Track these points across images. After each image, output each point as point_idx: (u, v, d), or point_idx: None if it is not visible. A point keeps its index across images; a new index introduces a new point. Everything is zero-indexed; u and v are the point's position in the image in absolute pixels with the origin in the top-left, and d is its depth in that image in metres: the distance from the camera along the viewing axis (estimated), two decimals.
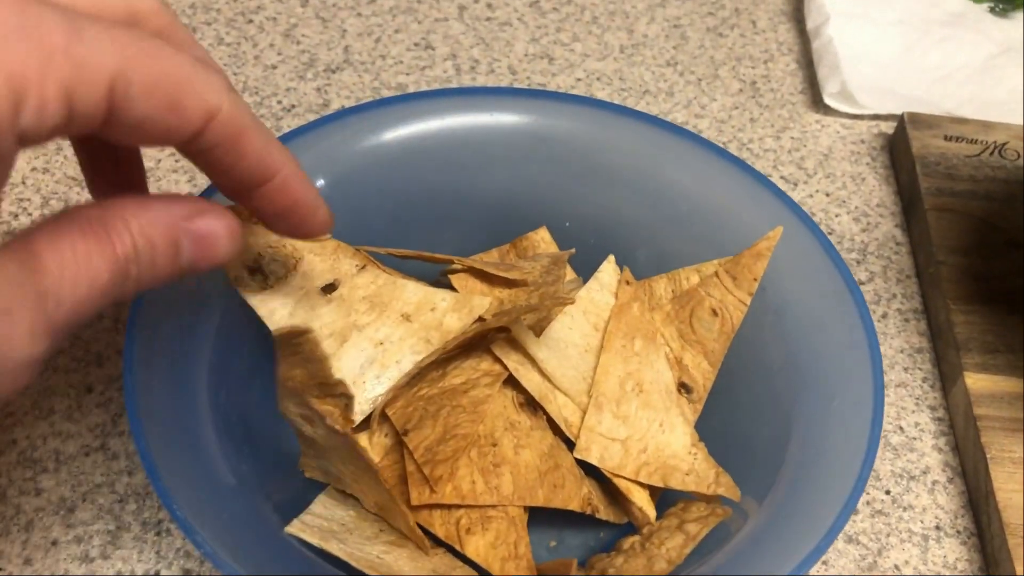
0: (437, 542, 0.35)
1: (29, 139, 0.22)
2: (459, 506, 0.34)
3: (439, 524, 0.34)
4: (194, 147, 0.26)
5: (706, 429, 0.38)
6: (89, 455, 0.41)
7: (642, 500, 0.36)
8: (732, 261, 0.39)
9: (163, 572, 0.37)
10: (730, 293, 0.39)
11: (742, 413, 0.38)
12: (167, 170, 0.52)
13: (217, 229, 0.27)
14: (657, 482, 0.36)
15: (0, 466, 0.40)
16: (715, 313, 0.39)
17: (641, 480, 0.36)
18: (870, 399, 0.35)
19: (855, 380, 0.35)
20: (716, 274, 0.39)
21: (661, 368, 0.38)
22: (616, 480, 0.36)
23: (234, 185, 0.29)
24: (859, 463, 0.33)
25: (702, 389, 0.39)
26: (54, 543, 0.38)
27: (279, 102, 0.57)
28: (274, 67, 0.59)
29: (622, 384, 0.37)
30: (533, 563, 0.35)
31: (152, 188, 0.48)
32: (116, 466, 0.40)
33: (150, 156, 0.53)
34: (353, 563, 0.32)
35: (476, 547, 0.34)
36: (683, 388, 0.38)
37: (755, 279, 0.38)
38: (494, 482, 0.35)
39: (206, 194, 0.38)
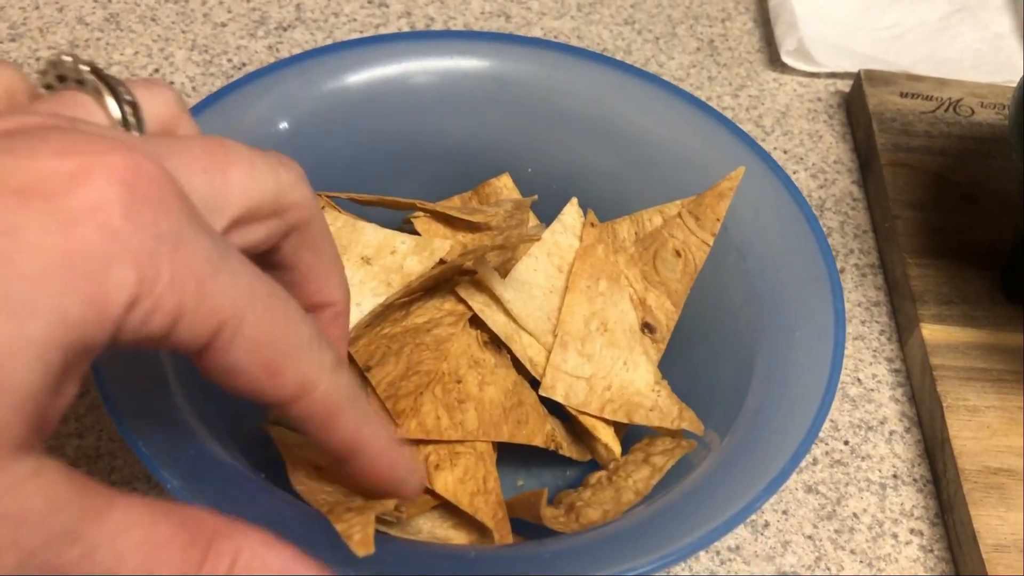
0: None
1: (120, 338, 0.21)
2: (427, 442, 0.34)
3: None
4: (281, 411, 0.25)
5: (671, 367, 0.38)
6: None
7: (607, 437, 0.36)
8: (695, 202, 0.39)
9: None
10: (693, 234, 0.38)
11: (706, 350, 0.39)
12: None
13: None
14: (622, 418, 0.36)
15: None
16: (678, 254, 0.39)
17: (606, 416, 0.36)
18: (831, 328, 0.35)
19: (817, 311, 0.35)
20: (679, 215, 0.39)
21: (625, 308, 0.38)
22: (581, 418, 0.36)
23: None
24: (821, 391, 0.33)
25: (665, 329, 0.39)
26: None
27: (229, 60, 0.56)
28: (224, 25, 0.58)
29: (587, 324, 0.36)
30: (502, 498, 0.35)
31: None
32: (65, 429, 0.39)
33: None
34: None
35: (445, 482, 0.33)
36: (647, 328, 0.38)
37: (718, 219, 0.38)
38: (459, 418, 0.34)
39: None
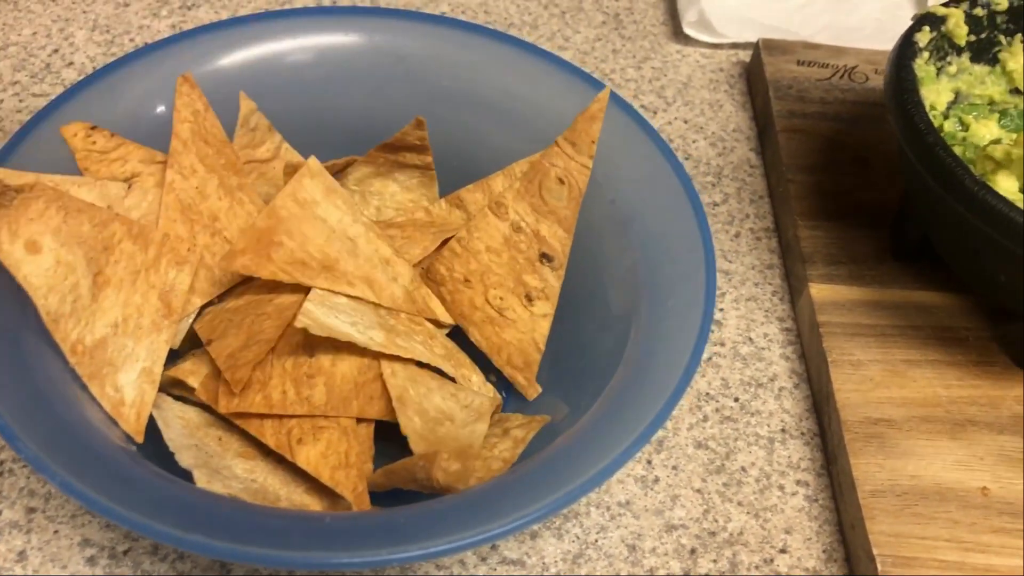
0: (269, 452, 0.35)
1: None
2: (291, 416, 0.34)
3: (270, 434, 0.34)
4: None
5: (555, 339, 0.39)
6: None
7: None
8: (569, 129, 0.40)
9: (5, 511, 0.36)
10: (572, 159, 0.39)
11: (587, 322, 0.39)
12: (10, 110, 0.50)
13: None
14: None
15: None
16: (561, 181, 0.39)
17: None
18: (702, 296, 0.35)
19: (690, 281, 0.36)
20: (557, 143, 0.39)
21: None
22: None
23: None
24: (685, 360, 0.33)
25: (561, 255, 0.39)
26: None
27: (131, 40, 0.55)
28: (126, 4, 0.57)
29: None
30: (367, 471, 0.35)
31: None
32: None
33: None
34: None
35: (307, 456, 0.34)
36: (544, 258, 0.39)
37: (592, 142, 0.39)
38: (306, 392, 0.34)
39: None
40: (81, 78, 0.41)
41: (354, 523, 0.31)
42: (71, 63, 0.53)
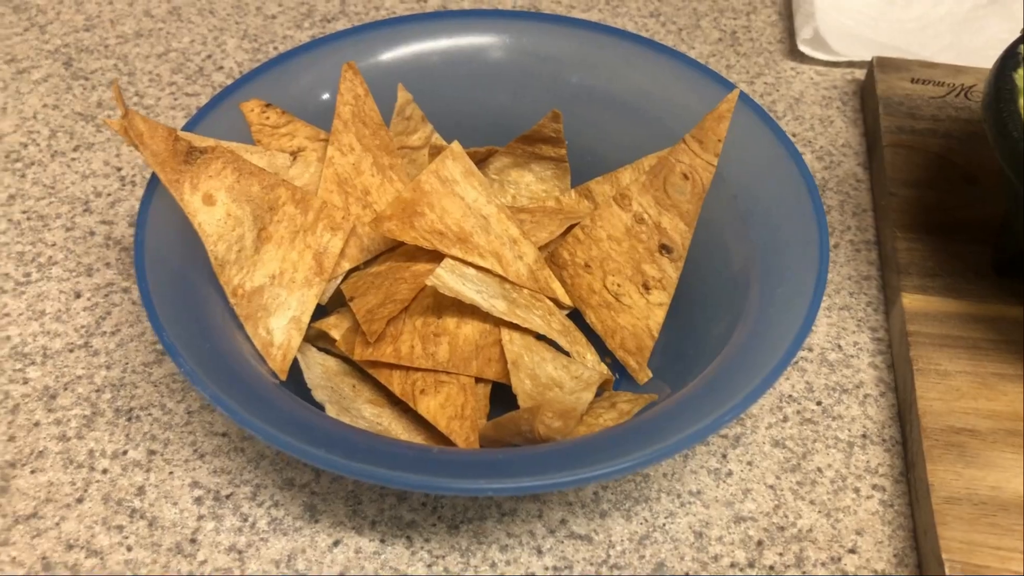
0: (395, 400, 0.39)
1: None
2: (416, 369, 0.38)
3: (397, 383, 0.38)
4: None
5: (669, 327, 0.42)
6: (73, 351, 0.44)
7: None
8: (697, 127, 0.42)
9: (130, 452, 0.41)
10: (698, 156, 0.41)
11: (700, 312, 0.41)
12: (166, 107, 0.56)
13: None
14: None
15: None
16: (686, 177, 0.41)
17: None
18: (812, 287, 0.37)
19: (802, 271, 0.38)
20: (684, 140, 0.42)
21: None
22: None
23: None
24: (787, 344, 0.35)
25: (681, 248, 0.42)
26: (36, 424, 0.42)
27: (275, 48, 0.61)
28: (273, 17, 0.63)
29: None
30: (480, 425, 0.38)
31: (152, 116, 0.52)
32: (96, 361, 0.44)
33: (151, 95, 0.57)
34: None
35: (427, 406, 0.37)
36: (664, 249, 0.41)
37: (719, 140, 0.41)
38: (431, 349, 0.38)
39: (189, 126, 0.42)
40: (256, 65, 0.46)
41: (459, 456, 0.34)
42: (221, 67, 0.59)
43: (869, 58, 0.59)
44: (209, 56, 0.60)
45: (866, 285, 0.48)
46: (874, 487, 0.41)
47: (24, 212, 0.50)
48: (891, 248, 0.48)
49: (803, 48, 0.60)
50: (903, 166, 0.51)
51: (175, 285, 0.37)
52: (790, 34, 0.63)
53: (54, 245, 0.49)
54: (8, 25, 0.61)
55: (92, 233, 0.49)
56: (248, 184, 0.39)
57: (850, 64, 0.60)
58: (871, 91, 0.56)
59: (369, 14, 0.63)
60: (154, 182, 0.39)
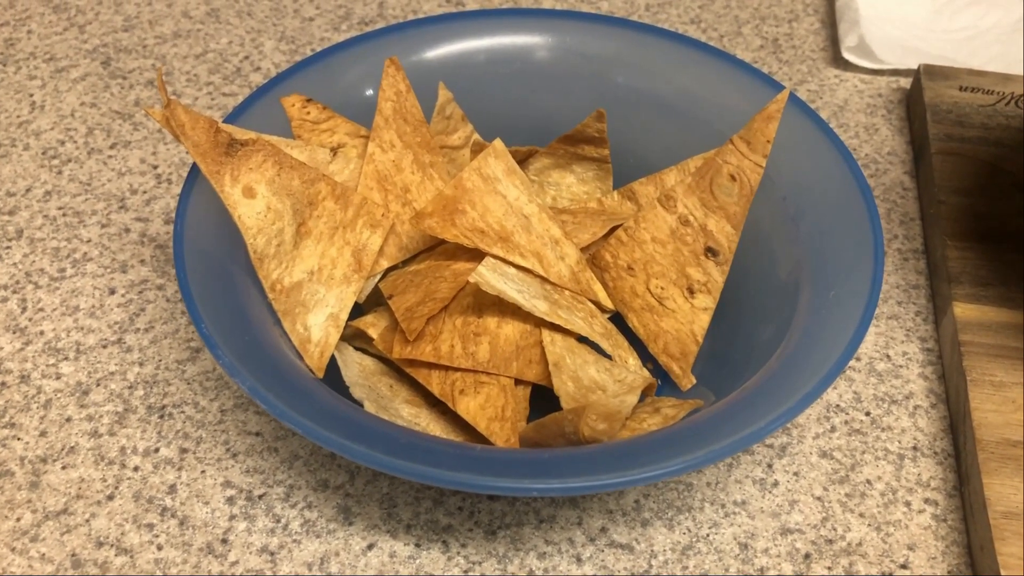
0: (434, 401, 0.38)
1: None
2: (456, 369, 0.37)
3: (436, 383, 0.37)
4: None
5: (714, 333, 0.41)
6: (106, 347, 0.44)
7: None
8: (745, 128, 0.41)
9: (162, 449, 0.40)
10: (746, 158, 0.40)
11: (747, 317, 0.40)
12: (203, 107, 0.56)
13: None
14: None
15: (27, 354, 0.43)
16: (733, 178, 0.40)
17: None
18: (866, 293, 0.36)
19: (856, 274, 0.36)
20: (731, 141, 0.41)
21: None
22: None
23: None
24: (841, 349, 0.34)
25: (727, 251, 0.40)
26: (68, 420, 0.41)
27: (312, 49, 0.60)
28: (311, 19, 0.62)
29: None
30: (520, 427, 0.37)
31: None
32: (129, 358, 0.43)
33: (188, 95, 0.56)
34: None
35: (467, 406, 0.36)
36: (709, 252, 0.40)
37: (768, 141, 0.40)
38: (471, 348, 0.37)
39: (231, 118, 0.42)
40: (299, 59, 0.46)
41: (503, 455, 0.33)
42: (258, 68, 0.58)
43: (915, 66, 0.58)
44: (247, 57, 0.59)
45: (915, 294, 0.47)
46: (926, 501, 0.39)
47: (60, 208, 0.50)
48: (941, 256, 0.47)
49: (848, 56, 0.59)
50: (952, 174, 0.50)
51: (213, 277, 0.36)
52: (833, 42, 0.62)
53: (89, 241, 0.48)
54: (48, 24, 0.61)
55: (127, 230, 0.49)
56: (289, 178, 0.38)
57: (895, 72, 0.59)
58: (918, 99, 0.55)
59: (407, 17, 0.63)
60: (193, 174, 0.39)
